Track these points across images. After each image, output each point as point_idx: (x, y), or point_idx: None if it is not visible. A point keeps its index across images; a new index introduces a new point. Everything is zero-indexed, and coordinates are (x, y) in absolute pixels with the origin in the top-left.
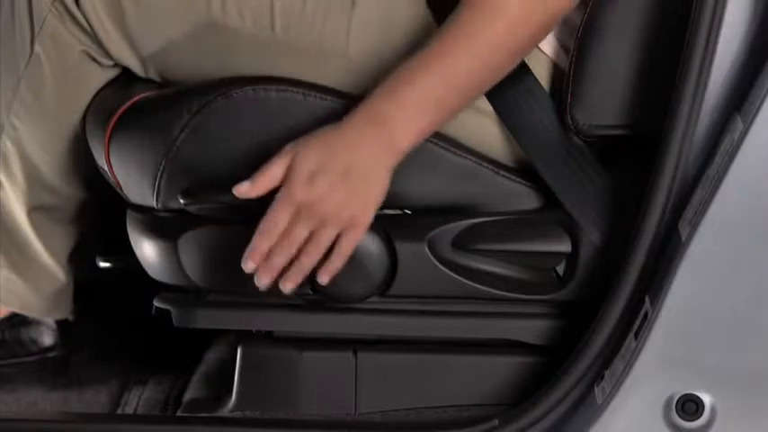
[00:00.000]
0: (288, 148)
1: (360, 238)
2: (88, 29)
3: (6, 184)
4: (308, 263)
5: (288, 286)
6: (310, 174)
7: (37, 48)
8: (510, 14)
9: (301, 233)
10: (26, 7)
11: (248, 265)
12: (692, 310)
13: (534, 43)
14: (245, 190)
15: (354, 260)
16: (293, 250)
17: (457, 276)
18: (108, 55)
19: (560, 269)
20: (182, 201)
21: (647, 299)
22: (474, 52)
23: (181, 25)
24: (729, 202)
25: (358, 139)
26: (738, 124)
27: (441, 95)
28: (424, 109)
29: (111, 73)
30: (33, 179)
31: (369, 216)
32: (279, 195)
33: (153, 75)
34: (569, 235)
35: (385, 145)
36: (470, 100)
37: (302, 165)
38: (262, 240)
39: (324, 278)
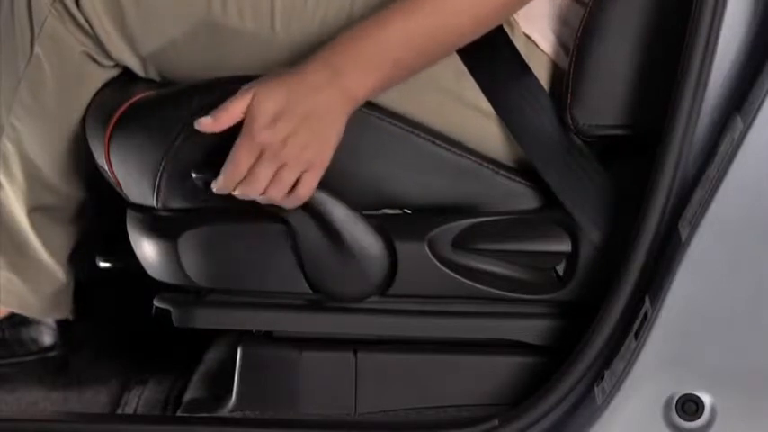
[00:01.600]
0: (246, 88)
1: (319, 179)
2: (88, 29)
3: (6, 185)
4: (272, 199)
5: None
6: (272, 116)
7: (37, 49)
8: None
9: (265, 173)
10: (25, 8)
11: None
12: (692, 310)
13: (505, 12)
14: (208, 124)
15: (354, 259)
16: (259, 189)
17: (457, 276)
18: (108, 55)
19: (560, 269)
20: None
21: (647, 299)
22: (437, 15)
23: (181, 25)
24: (729, 202)
25: (317, 85)
26: (738, 124)
27: (399, 55)
28: (381, 65)
29: (112, 73)
30: (34, 179)
31: (327, 157)
32: (240, 137)
33: (153, 74)
34: (569, 235)
35: (342, 92)
36: (433, 61)
37: (264, 107)
38: (226, 181)
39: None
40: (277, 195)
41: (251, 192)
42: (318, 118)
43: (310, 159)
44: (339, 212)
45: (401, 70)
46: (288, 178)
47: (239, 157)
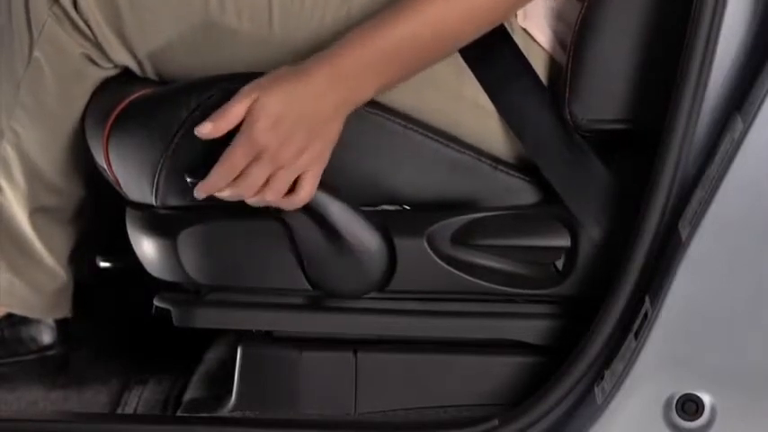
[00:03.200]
0: (247, 89)
1: (317, 181)
2: (87, 32)
3: (7, 189)
4: (267, 202)
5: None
6: (273, 119)
7: (36, 53)
8: None
9: (260, 175)
10: (23, 12)
11: (198, 194)
12: (692, 310)
13: (506, 11)
14: (208, 130)
15: (353, 256)
16: (252, 191)
17: (456, 272)
18: (107, 57)
19: (560, 264)
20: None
21: (647, 299)
22: (439, 16)
23: (178, 25)
24: (729, 202)
25: (320, 89)
26: (738, 124)
27: (401, 57)
28: (384, 68)
29: (111, 74)
30: (35, 181)
31: (325, 159)
32: (239, 137)
33: (151, 75)
34: (568, 230)
35: (343, 96)
36: (436, 61)
37: (265, 109)
38: (218, 178)
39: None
40: (273, 198)
41: (243, 193)
42: (318, 121)
43: (308, 162)
44: (337, 210)
45: (403, 71)
46: (284, 181)
47: (235, 158)
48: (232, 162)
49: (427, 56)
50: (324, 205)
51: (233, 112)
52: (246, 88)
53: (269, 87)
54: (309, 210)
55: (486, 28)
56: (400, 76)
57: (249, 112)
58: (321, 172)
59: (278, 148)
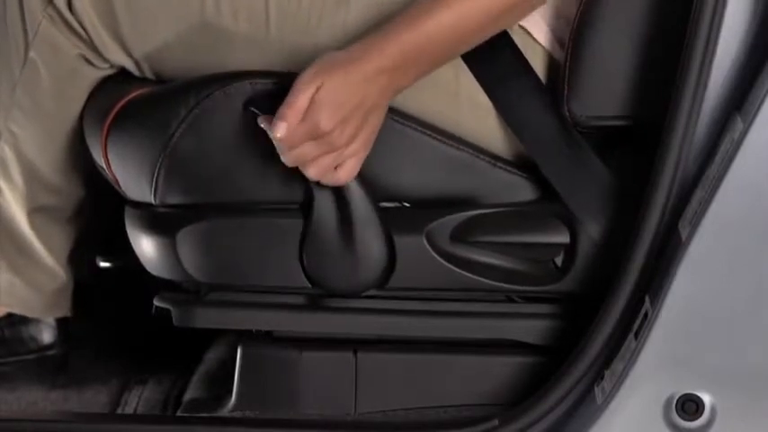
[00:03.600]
0: (308, 77)
1: (361, 163)
2: (82, 33)
3: (6, 189)
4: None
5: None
6: (336, 105)
7: (32, 54)
8: None
9: (313, 154)
10: (18, 14)
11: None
12: (692, 310)
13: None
14: (285, 130)
15: (353, 253)
16: (299, 163)
17: (455, 269)
18: (103, 57)
19: (559, 261)
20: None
21: (647, 299)
22: (487, 5)
23: (174, 26)
24: (729, 202)
25: (372, 76)
26: (738, 124)
27: (448, 45)
28: (429, 56)
29: (108, 73)
30: (33, 181)
31: (371, 145)
32: (303, 122)
33: (148, 74)
34: (567, 226)
35: (391, 83)
36: (457, 55)
37: (330, 96)
38: (280, 143)
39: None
40: (315, 174)
41: (290, 160)
42: (369, 108)
43: (358, 147)
44: (358, 200)
45: (443, 60)
46: (333, 162)
47: (296, 137)
48: (292, 140)
49: (467, 44)
50: (352, 192)
51: (299, 104)
52: (307, 76)
53: (330, 74)
54: (338, 192)
55: (522, 15)
56: (440, 62)
57: (313, 99)
58: (365, 157)
59: (336, 134)
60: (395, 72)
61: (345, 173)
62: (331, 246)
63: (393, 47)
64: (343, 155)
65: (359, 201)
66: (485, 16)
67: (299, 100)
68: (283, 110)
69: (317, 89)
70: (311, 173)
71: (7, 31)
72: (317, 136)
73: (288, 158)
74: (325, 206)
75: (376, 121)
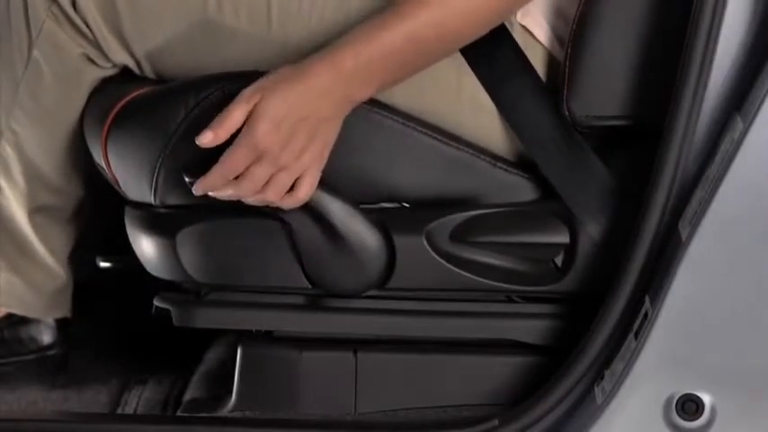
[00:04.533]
0: (248, 93)
1: (317, 180)
2: (86, 32)
3: (6, 188)
4: (266, 201)
5: (218, 191)
6: (275, 122)
7: (35, 53)
8: None
9: (262, 176)
10: (22, 12)
11: (197, 191)
12: (692, 310)
13: (507, 10)
14: (210, 139)
15: (353, 253)
16: (254, 191)
17: (455, 269)
18: (106, 57)
19: (559, 261)
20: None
21: (647, 299)
22: (440, 15)
23: (176, 25)
24: (729, 202)
25: (321, 90)
26: (738, 124)
27: (402, 57)
28: (385, 68)
29: (110, 73)
30: (34, 181)
31: (325, 159)
32: (240, 139)
33: (149, 74)
34: (567, 226)
35: (345, 97)
36: (436, 60)
37: (268, 111)
38: (218, 178)
39: (288, 202)
40: (273, 198)
41: (244, 193)
42: (319, 121)
43: (308, 162)
44: (336, 208)
45: (403, 71)
46: (285, 181)
47: (237, 160)
48: (233, 163)
49: (427, 56)
50: (323, 204)
51: (232, 119)
52: (247, 92)
53: (270, 89)
54: (309, 208)
55: (486, 28)
56: (400, 75)
57: (251, 114)
58: (320, 171)
59: (280, 150)
60: (349, 85)
61: (303, 191)
62: (326, 250)
63: (348, 60)
64: (294, 170)
65: (336, 209)
66: (441, 29)
67: (232, 114)
68: (215, 122)
69: (255, 105)
70: (270, 196)
71: (11, 30)
72: (259, 154)
73: (242, 191)
74: (302, 225)
75: (329, 133)
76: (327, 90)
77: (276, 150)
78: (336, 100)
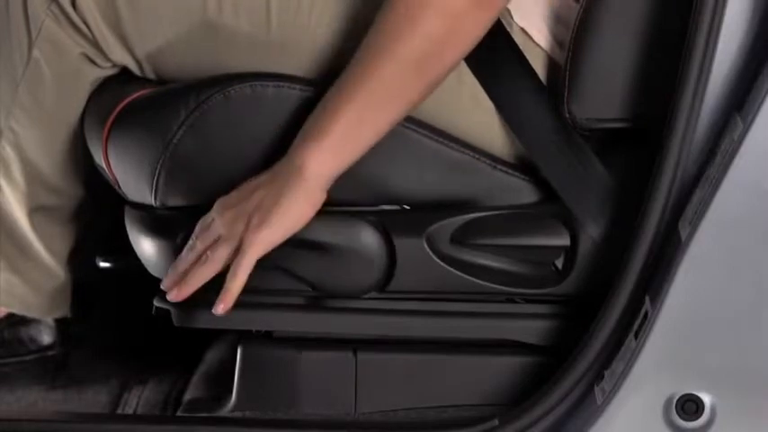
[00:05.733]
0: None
1: (251, 263)
2: (86, 31)
3: (7, 189)
4: (202, 273)
5: (179, 294)
6: (226, 206)
7: (35, 52)
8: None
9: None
10: (22, 12)
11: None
12: (692, 310)
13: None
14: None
15: (353, 256)
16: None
17: (456, 271)
18: (106, 57)
19: (559, 263)
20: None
21: (647, 299)
22: (391, 80)
23: (176, 26)
24: (729, 202)
25: (276, 188)
26: (738, 124)
27: (357, 134)
28: (341, 149)
29: (110, 73)
30: (34, 181)
31: (262, 244)
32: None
33: (150, 74)
34: (568, 229)
35: (300, 190)
36: (394, 124)
37: (222, 202)
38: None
39: (218, 308)
40: (208, 269)
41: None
42: (270, 207)
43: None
44: (322, 228)
45: (361, 148)
46: (222, 253)
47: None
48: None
49: (385, 122)
50: (307, 233)
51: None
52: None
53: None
54: (295, 242)
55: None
56: (358, 152)
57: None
58: (253, 257)
59: (226, 223)
60: (298, 181)
61: (243, 266)
62: (326, 254)
63: (286, 161)
64: (238, 242)
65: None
66: (384, 109)
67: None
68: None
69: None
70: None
71: (10, 30)
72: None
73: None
74: (301, 260)
75: (282, 220)
76: (282, 189)
77: (223, 224)
78: (291, 196)
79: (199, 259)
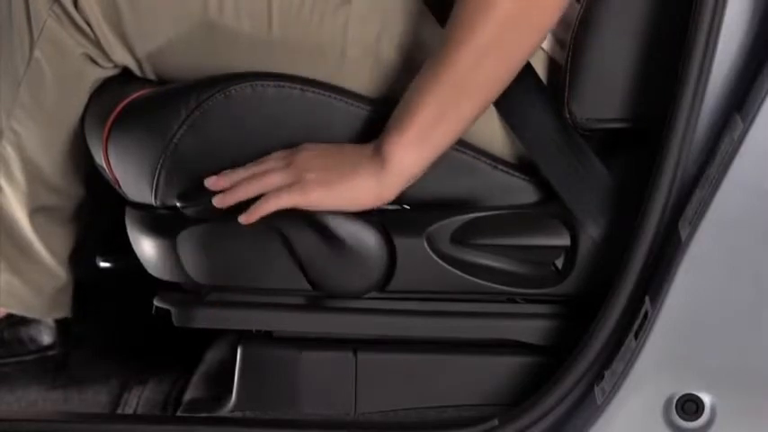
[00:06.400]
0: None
1: (291, 203)
2: (88, 31)
3: (7, 189)
4: (249, 187)
5: (223, 200)
6: (309, 156)
7: (36, 52)
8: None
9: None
10: (24, 12)
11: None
12: (692, 311)
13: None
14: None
15: (353, 256)
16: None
17: (456, 271)
18: (107, 57)
19: (559, 263)
20: (179, 204)
21: (647, 299)
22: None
23: (177, 26)
24: (729, 202)
25: (349, 164)
26: (738, 124)
27: (439, 127)
28: (423, 143)
29: (111, 73)
30: (35, 181)
31: (311, 197)
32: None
33: (150, 74)
34: (568, 229)
35: (374, 177)
36: (480, 114)
37: (303, 149)
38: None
39: (241, 218)
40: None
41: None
42: (341, 176)
43: (304, 187)
44: (332, 215)
45: (443, 146)
46: (274, 180)
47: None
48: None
49: (465, 120)
50: (319, 214)
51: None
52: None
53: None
54: (305, 217)
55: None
56: (439, 151)
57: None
58: (294, 202)
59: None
60: (392, 172)
61: (286, 200)
62: (326, 255)
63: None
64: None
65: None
66: (468, 101)
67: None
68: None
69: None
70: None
71: (12, 30)
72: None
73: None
74: (299, 235)
75: (344, 197)
76: (368, 176)
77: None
78: (371, 184)
79: (252, 178)
